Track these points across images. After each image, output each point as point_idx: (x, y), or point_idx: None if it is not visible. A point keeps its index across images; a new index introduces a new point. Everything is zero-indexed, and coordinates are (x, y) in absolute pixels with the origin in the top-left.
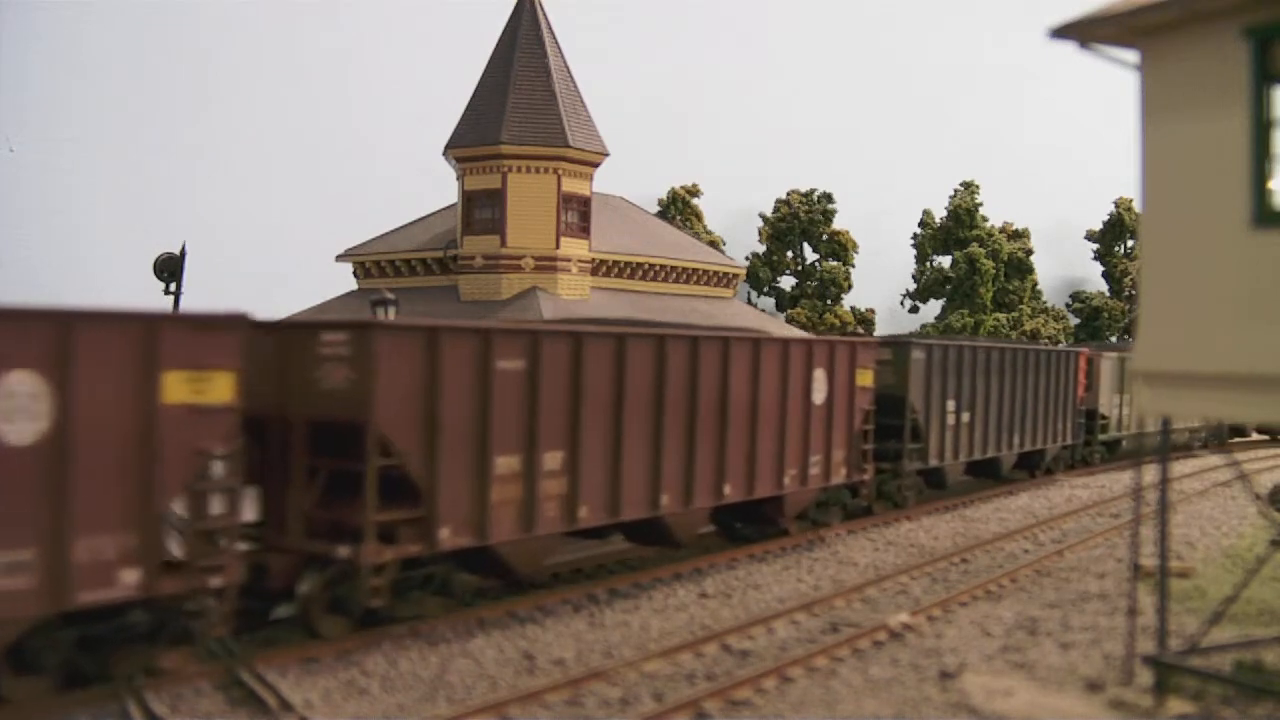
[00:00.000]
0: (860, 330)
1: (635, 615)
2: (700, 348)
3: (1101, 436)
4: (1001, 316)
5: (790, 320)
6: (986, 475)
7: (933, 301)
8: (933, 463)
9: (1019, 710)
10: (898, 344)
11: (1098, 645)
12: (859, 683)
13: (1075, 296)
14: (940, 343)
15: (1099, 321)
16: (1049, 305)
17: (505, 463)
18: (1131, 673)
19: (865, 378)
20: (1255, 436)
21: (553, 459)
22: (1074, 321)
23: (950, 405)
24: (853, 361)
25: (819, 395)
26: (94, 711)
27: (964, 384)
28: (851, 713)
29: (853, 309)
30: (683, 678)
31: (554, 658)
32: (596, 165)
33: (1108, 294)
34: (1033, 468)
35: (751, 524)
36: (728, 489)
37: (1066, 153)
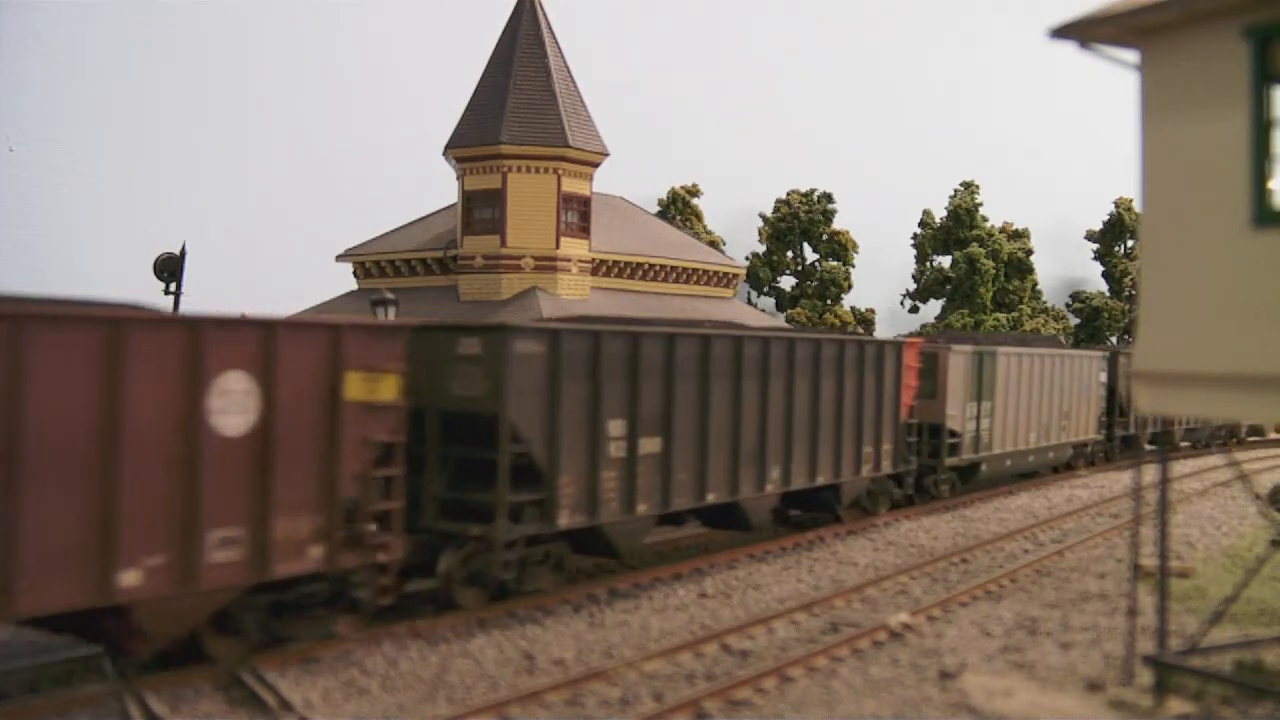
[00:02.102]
0: (860, 330)
1: (635, 615)
2: None
3: (950, 460)
4: (1001, 316)
5: (790, 320)
6: (727, 525)
7: (933, 301)
8: (569, 522)
9: (1019, 710)
10: (486, 331)
11: (1098, 645)
12: (859, 683)
13: (1075, 296)
14: (585, 328)
15: (1099, 321)
16: (1049, 305)
17: None
18: (1131, 673)
19: (375, 388)
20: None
21: None
22: (1074, 321)
23: (616, 428)
24: (336, 360)
25: (234, 420)
26: (94, 711)
27: (648, 392)
28: (851, 713)
29: (853, 309)
30: (683, 678)
31: (554, 658)
32: (596, 165)
33: (1108, 294)
34: (825, 509)
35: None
36: None
37: (1066, 153)
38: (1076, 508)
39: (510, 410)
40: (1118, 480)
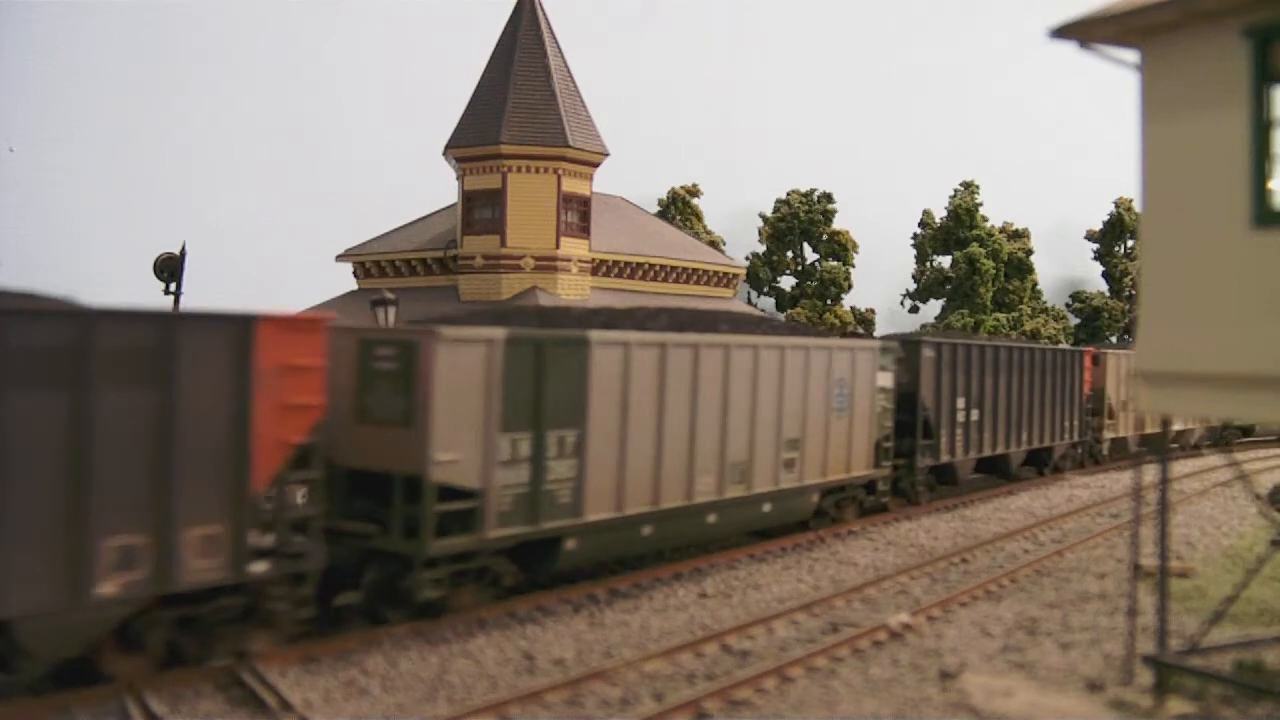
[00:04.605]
0: (860, 331)
1: (635, 615)
2: None
3: (448, 543)
4: (1002, 316)
5: (790, 320)
6: None
7: (933, 301)
8: None
9: (1019, 710)
10: None
11: (1098, 645)
12: (859, 683)
13: (1075, 296)
14: None
15: (1099, 321)
16: (1049, 305)
17: None
18: (1131, 673)
19: None
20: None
21: None
22: (1074, 321)
23: None
24: None
25: None
26: (94, 711)
27: None
28: (851, 713)
29: (853, 309)
30: (683, 678)
31: (554, 658)
32: (596, 165)
33: (1108, 294)
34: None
35: None
36: None
37: (1066, 153)
38: (1076, 508)
39: None
40: (1118, 480)
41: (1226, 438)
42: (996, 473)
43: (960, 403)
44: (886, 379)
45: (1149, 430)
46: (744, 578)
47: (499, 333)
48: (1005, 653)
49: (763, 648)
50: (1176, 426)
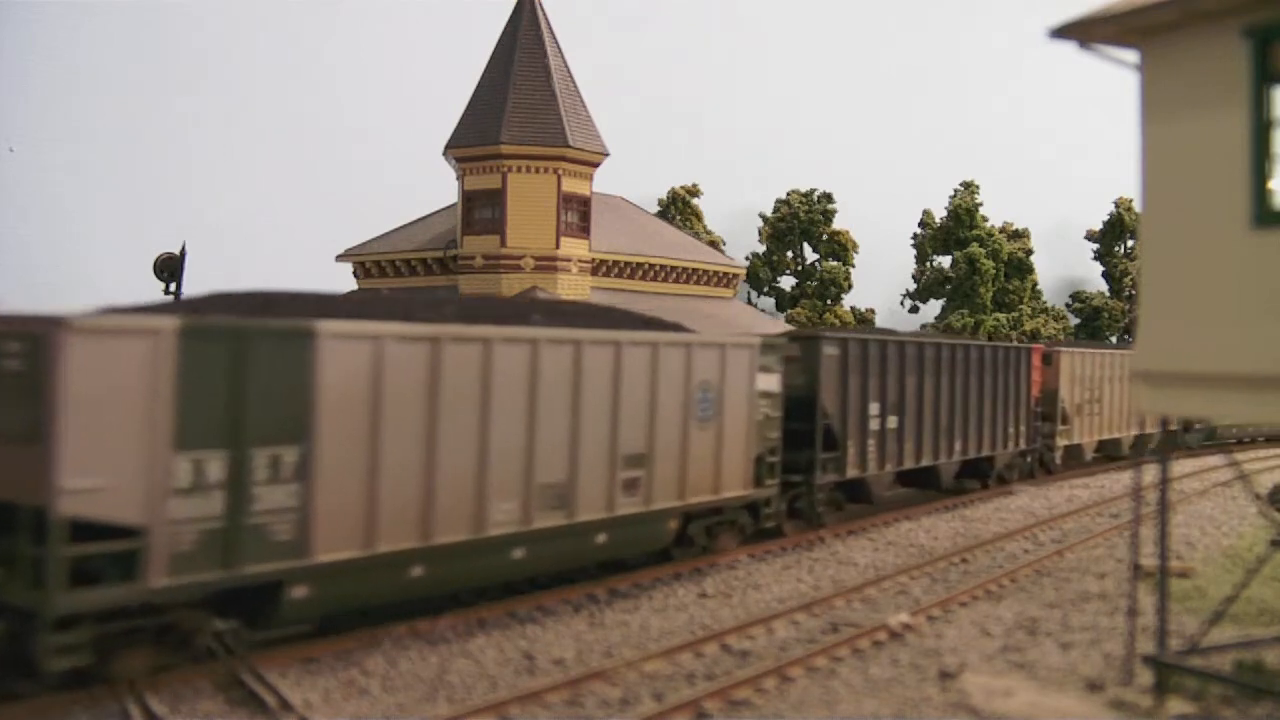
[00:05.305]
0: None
1: (635, 615)
2: None
3: (83, 601)
4: (1001, 316)
5: (790, 320)
6: None
7: (933, 301)
8: None
9: (1019, 710)
10: None
11: (1098, 645)
12: (859, 683)
13: (1075, 296)
14: None
15: (1099, 321)
16: (1049, 305)
17: None
18: (1131, 673)
19: None
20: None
21: None
22: (1074, 321)
23: None
24: None
25: None
26: (94, 712)
27: None
28: (851, 713)
29: (853, 309)
30: (683, 678)
31: (554, 658)
32: (596, 165)
33: (1108, 294)
34: None
35: None
36: None
37: (1066, 153)
38: (1076, 508)
39: None
40: (1118, 480)
41: (1188, 442)
42: (928, 487)
43: (874, 408)
44: (770, 382)
45: (1108, 435)
46: (744, 578)
47: (169, 322)
48: (1005, 653)
49: (763, 648)
50: (1134, 431)
